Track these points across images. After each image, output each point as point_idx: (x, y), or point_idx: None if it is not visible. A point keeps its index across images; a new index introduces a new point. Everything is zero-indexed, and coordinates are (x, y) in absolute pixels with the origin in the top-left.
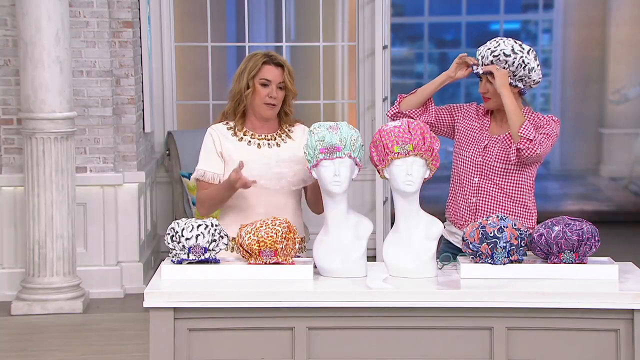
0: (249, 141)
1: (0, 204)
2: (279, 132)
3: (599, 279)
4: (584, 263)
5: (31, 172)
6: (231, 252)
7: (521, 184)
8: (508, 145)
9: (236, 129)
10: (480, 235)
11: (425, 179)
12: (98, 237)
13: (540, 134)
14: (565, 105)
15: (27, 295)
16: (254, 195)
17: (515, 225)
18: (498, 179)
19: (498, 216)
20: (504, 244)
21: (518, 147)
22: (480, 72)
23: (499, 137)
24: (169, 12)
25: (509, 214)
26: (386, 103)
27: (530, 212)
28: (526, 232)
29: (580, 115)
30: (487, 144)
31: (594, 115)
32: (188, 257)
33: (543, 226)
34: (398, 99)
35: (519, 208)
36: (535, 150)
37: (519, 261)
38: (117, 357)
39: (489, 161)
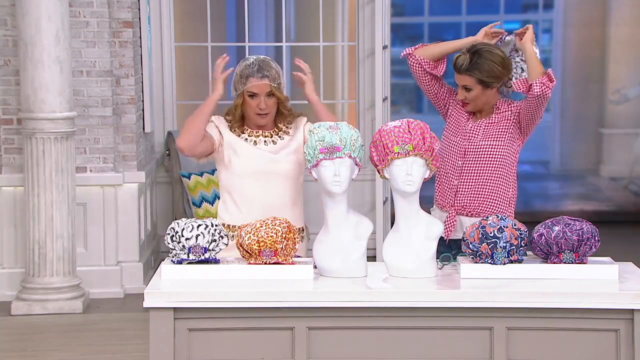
0: (246, 138)
1: (0, 204)
2: (275, 129)
3: (599, 279)
4: (584, 263)
5: (31, 172)
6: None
7: (505, 160)
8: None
9: (235, 127)
10: (480, 235)
11: (425, 178)
12: (98, 237)
13: None
14: (565, 105)
15: (27, 295)
16: (253, 187)
17: (515, 225)
18: (483, 152)
19: (498, 216)
20: (504, 244)
21: (542, 81)
22: (518, 31)
23: (482, 121)
24: (169, 12)
25: (487, 198)
26: (386, 103)
27: (512, 187)
28: (526, 232)
29: (580, 115)
30: (473, 129)
31: (594, 115)
32: (188, 257)
33: (543, 226)
34: (417, 45)
35: (499, 186)
36: (550, 94)
37: (519, 261)
38: (117, 357)
39: (475, 141)
